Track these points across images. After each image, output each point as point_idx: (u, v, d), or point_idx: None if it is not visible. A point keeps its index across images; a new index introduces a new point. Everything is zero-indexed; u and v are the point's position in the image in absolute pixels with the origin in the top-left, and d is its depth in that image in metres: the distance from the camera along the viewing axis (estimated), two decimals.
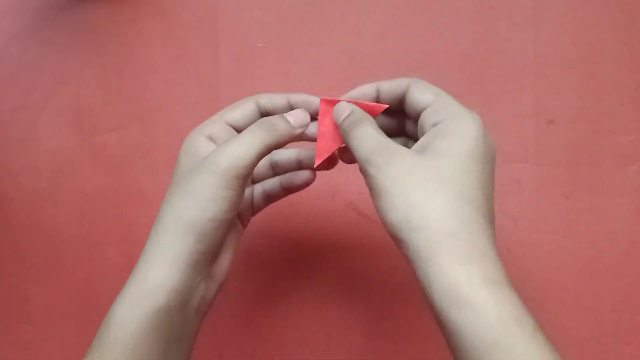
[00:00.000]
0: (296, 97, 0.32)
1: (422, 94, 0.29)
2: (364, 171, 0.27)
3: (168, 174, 0.48)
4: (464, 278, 0.23)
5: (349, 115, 0.29)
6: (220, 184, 0.27)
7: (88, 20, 0.49)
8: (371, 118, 0.29)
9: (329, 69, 0.45)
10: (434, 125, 0.27)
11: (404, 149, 0.27)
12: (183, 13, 0.48)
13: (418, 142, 0.28)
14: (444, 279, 0.23)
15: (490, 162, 0.28)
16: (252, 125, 0.29)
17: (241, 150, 0.28)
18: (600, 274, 0.42)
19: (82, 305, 0.49)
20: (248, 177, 0.28)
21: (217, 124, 0.31)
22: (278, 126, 0.30)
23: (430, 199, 0.25)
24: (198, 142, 0.30)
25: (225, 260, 0.31)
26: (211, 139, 0.30)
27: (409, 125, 0.32)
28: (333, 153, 0.32)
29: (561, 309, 0.42)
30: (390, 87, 0.31)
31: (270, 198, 0.35)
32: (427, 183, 0.25)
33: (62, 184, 0.49)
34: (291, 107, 0.32)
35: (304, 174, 0.33)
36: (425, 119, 0.28)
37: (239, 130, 0.31)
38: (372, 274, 0.45)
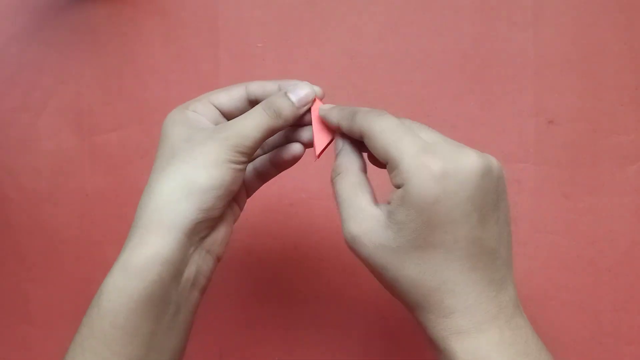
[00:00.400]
0: (288, 84, 0.31)
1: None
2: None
3: None
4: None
5: (336, 165, 0.30)
6: (226, 156, 0.27)
7: (88, 20, 0.49)
8: (356, 171, 0.29)
9: (329, 69, 0.45)
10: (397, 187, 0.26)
11: (373, 218, 0.26)
12: (183, 13, 0.48)
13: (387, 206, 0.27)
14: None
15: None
16: (257, 107, 0.29)
17: (247, 130, 0.28)
18: (600, 274, 0.42)
19: (82, 305, 0.49)
20: (251, 156, 0.29)
21: (202, 102, 0.31)
22: (283, 111, 0.29)
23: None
24: (187, 115, 0.30)
25: (220, 234, 0.30)
26: (195, 112, 0.30)
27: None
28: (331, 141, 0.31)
29: (561, 309, 0.42)
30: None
31: (261, 176, 0.34)
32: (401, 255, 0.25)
33: (62, 184, 0.49)
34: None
35: (293, 148, 0.32)
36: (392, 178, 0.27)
37: (223, 112, 0.31)
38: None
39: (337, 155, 0.30)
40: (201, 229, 0.28)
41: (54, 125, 0.50)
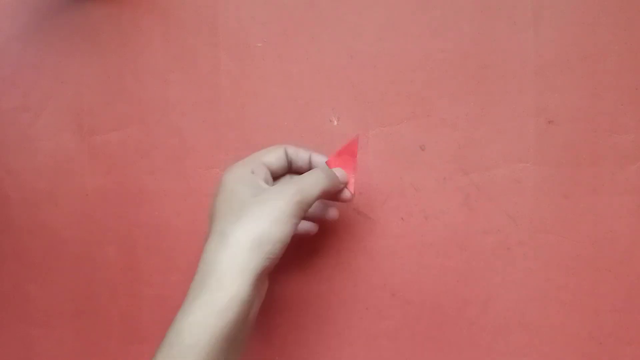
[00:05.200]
0: (316, 158, 0.40)
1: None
2: None
3: (168, 174, 0.48)
4: None
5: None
6: (292, 211, 0.33)
7: (88, 20, 0.49)
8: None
9: (329, 69, 0.45)
10: None
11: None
12: (183, 13, 0.48)
13: None
14: None
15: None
16: (317, 170, 0.36)
17: (310, 188, 0.34)
18: (600, 274, 0.42)
19: (82, 305, 0.49)
20: (307, 211, 0.34)
21: (256, 163, 0.37)
22: (334, 177, 0.37)
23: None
24: (246, 174, 0.35)
25: (267, 284, 0.36)
26: (253, 172, 0.36)
27: None
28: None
29: (561, 309, 0.42)
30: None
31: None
32: None
33: (62, 184, 0.49)
34: (311, 164, 0.39)
35: (333, 211, 0.42)
36: None
37: (271, 169, 0.38)
38: (372, 274, 0.45)
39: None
40: (266, 274, 0.33)
41: (54, 125, 0.50)
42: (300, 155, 0.39)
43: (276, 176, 0.39)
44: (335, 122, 0.45)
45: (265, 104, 0.46)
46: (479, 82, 0.43)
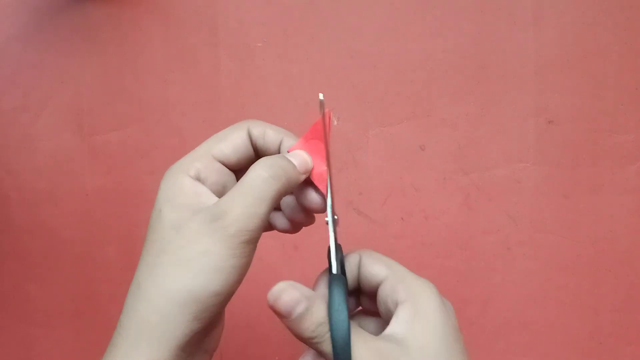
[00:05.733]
0: (289, 143, 0.27)
1: (374, 267, 0.26)
2: None
3: None
4: None
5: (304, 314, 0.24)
6: (228, 252, 0.22)
7: (88, 20, 0.49)
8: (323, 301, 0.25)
9: (329, 69, 0.45)
10: (397, 304, 0.25)
11: (391, 348, 0.23)
12: (183, 13, 0.48)
13: (389, 329, 0.25)
14: None
15: (457, 332, 0.26)
16: (257, 169, 0.24)
17: (250, 209, 0.23)
18: (600, 274, 0.42)
19: (82, 305, 0.49)
20: (259, 237, 0.24)
21: (203, 160, 0.26)
22: (288, 170, 0.25)
23: None
24: (183, 186, 0.25)
25: (218, 330, 0.27)
26: (198, 179, 0.25)
27: (364, 300, 0.29)
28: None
29: (561, 309, 0.42)
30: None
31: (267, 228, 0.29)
32: None
33: (62, 184, 0.49)
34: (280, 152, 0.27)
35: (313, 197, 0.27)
36: (386, 297, 0.26)
37: (229, 166, 0.27)
38: None
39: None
40: (198, 338, 0.24)
41: (54, 125, 0.50)
42: (268, 139, 0.26)
43: (240, 168, 0.27)
44: (335, 122, 0.45)
45: (265, 104, 0.46)
46: (479, 82, 0.43)
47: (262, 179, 0.23)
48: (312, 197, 0.27)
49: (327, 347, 0.24)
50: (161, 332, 0.22)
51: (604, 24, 0.41)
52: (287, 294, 0.24)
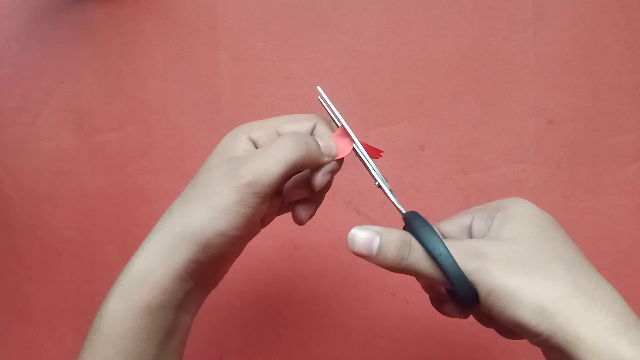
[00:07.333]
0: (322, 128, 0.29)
1: (461, 219, 0.29)
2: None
3: (168, 174, 0.48)
4: (628, 352, 0.22)
5: (384, 247, 0.25)
6: (236, 198, 0.25)
7: (88, 20, 0.49)
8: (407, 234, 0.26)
9: (329, 69, 0.45)
10: (491, 221, 0.27)
11: (482, 242, 0.25)
12: (183, 13, 0.48)
13: (482, 233, 0.27)
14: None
15: (560, 228, 0.28)
16: (282, 138, 0.27)
17: (267, 166, 0.25)
18: (600, 274, 0.42)
19: (82, 305, 0.49)
20: (269, 195, 0.26)
21: (268, 130, 0.28)
22: (311, 145, 0.27)
23: (549, 282, 0.23)
24: (237, 142, 0.28)
25: (223, 270, 0.30)
26: (255, 143, 0.28)
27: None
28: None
29: None
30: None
31: (282, 210, 0.32)
32: (532, 268, 0.24)
33: (62, 184, 0.49)
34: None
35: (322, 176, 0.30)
36: (480, 223, 0.28)
37: None
38: (372, 274, 0.45)
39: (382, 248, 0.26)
40: (204, 270, 0.27)
41: (54, 125, 0.50)
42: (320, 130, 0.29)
43: None
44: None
45: (265, 104, 0.46)
46: (479, 82, 0.43)
47: (285, 144, 0.26)
48: (317, 176, 0.29)
49: (420, 264, 0.25)
50: (174, 257, 0.26)
51: (604, 24, 0.41)
52: (359, 238, 0.26)
